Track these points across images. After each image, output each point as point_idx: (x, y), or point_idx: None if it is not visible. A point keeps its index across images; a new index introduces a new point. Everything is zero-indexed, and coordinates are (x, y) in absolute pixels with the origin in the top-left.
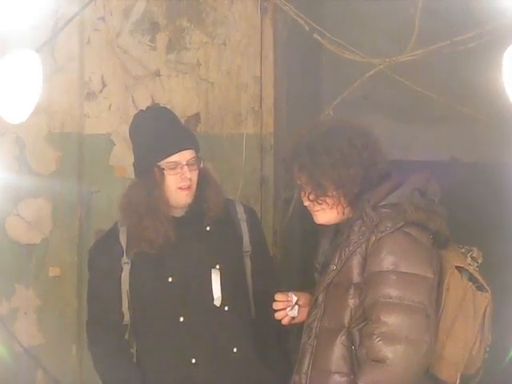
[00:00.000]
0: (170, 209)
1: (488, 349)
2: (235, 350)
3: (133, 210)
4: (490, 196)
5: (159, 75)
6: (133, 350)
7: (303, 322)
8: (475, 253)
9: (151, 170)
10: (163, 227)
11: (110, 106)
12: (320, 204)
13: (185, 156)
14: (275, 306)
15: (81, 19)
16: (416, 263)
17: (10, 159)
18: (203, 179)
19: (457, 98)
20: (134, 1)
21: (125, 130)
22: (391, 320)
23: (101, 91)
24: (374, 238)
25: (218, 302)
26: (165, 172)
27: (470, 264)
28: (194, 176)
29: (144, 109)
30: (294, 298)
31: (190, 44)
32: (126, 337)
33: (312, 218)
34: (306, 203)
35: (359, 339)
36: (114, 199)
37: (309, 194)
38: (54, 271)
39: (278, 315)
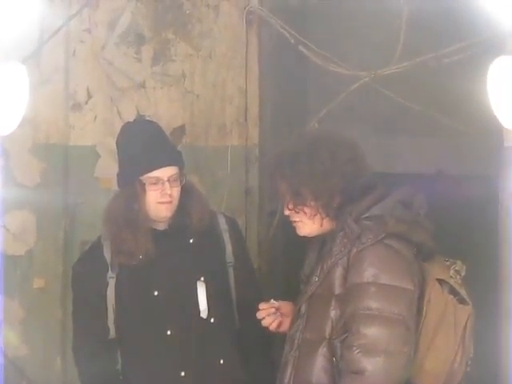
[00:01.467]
0: (152, 222)
1: (470, 362)
2: (222, 361)
3: (113, 222)
4: (475, 209)
5: (144, 87)
6: (118, 366)
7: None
8: (458, 266)
9: (133, 183)
10: (143, 240)
11: (96, 117)
12: (298, 213)
13: (166, 172)
14: (259, 315)
15: (66, 31)
16: (396, 275)
17: None
18: (187, 193)
19: (442, 110)
20: (119, 13)
21: (110, 141)
22: (370, 332)
23: (86, 103)
24: (355, 250)
25: (204, 314)
26: (146, 187)
27: (451, 277)
28: (175, 192)
29: (131, 120)
30: (276, 303)
31: (175, 56)
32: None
33: (296, 230)
34: (286, 212)
35: (340, 351)
36: (99, 211)
37: (288, 203)
38: (38, 283)
39: (264, 322)
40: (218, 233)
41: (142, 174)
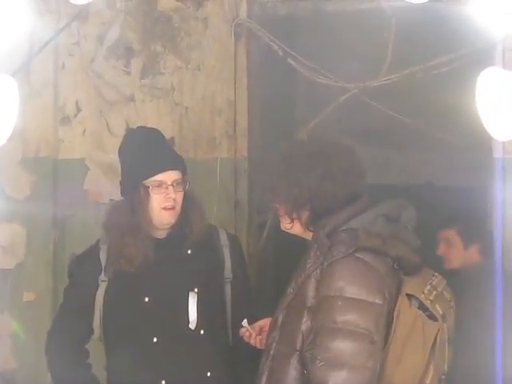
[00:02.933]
0: (153, 229)
1: (444, 377)
2: (209, 374)
3: (115, 228)
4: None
5: (134, 100)
6: (89, 361)
7: None
8: (435, 281)
9: (136, 189)
10: (144, 246)
11: (85, 130)
12: (286, 215)
13: (170, 176)
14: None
15: (55, 44)
16: (364, 289)
17: None
18: (187, 202)
19: (431, 122)
20: (108, 26)
21: (99, 154)
22: (334, 345)
23: (75, 116)
24: (326, 263)
25: (193, 325)
26: (150, 191)
27: (423, 292)
28: (179, 197)
29: (134, 128)
30: (247, 327)
31: (164, 69)
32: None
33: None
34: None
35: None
36: (89, 223)
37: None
38: (28, 296)
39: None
40: (219, 248)
41: (146, 178)
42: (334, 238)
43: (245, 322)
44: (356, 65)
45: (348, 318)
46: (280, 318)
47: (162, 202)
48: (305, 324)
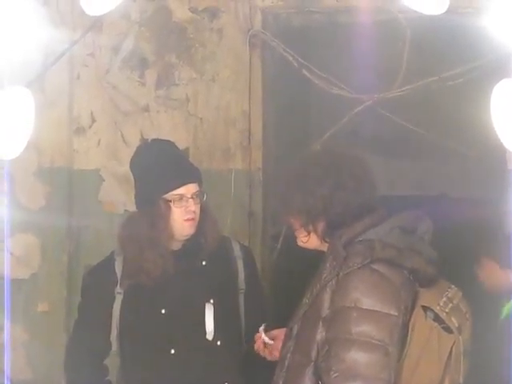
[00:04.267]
0: (170, 241)
1: None
2: None
3: (134, 242)
4: (478, 232)
5: (148, 111)
6: (108, 378)
7: None
8: (451, 293)
9: (156, 202)
10: (162, 260)
11: (99, 141)
12: (300, 226)
13: (190, 189)
14: (256, 349)
15: (70, 55)
16: (379, 300)
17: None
18: (203, 213)
19: (445, 133)
20: (123, 37)
21: (114, 165)
22: (349, 356)
23: (90, 127)
24: (341, 274)
25: (210, 336)
26: (171, 204)
27: (439, 304)
28: (198, 209)
29: (147, 141)
30: (263, 337)
31: (178, 80)
32: (107, 363)
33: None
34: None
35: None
36: (103, 234)
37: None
38: (42, 306)
39: (262, 354)
40: (232, 259)
41: (167, 192)
42: (350, 249)
43: (261, 329)
44: (370, 76)
45: (363, 329)
46: (295, 329)
47: (184, 214)
48: (319, 334)
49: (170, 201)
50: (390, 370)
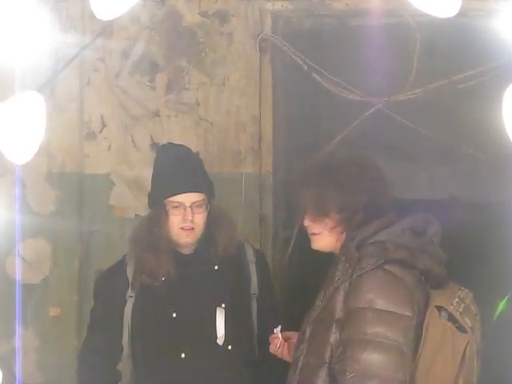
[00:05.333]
0: (178, 245)
1: None
2: None
3: (136, 243)
4: (489, 235)
5: (158, 115)
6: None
7: None
8: (463, 294)
9: (157, 206)
10: (165, 262)
11: (110, 145)
12: (318, 225)
13: (190, 198)
14: (271, 350)
15: (81, 60)
16: (393, 301)
17: (10, 199)
18: (215, 221)
19: (456, 136)
20: (133, 41)
21: (124, 169)
22: (364, 357)
23: (100, 131)
24: (355, 275)
25: (220, 340)
26: (168, 210)
27: (452, 304)
28: (199, 219)
29: (165, 144)
30: (279, 335)
31: (189, 84)
32: (120, 367)
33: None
34: (306, 223)
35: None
36: (114, 239)
37: (310, 213)
38: (53, 311)
39: (277, 353)
40: (245, 263)
41: (165, 198)
42: (363, 250)
43: (277, 330)
44: (381, 79)
45: (377, 329)
46: (308, 331)
47: (180, 222)
48: (333, 336)
49: (168, 207)
50: (406, 369)
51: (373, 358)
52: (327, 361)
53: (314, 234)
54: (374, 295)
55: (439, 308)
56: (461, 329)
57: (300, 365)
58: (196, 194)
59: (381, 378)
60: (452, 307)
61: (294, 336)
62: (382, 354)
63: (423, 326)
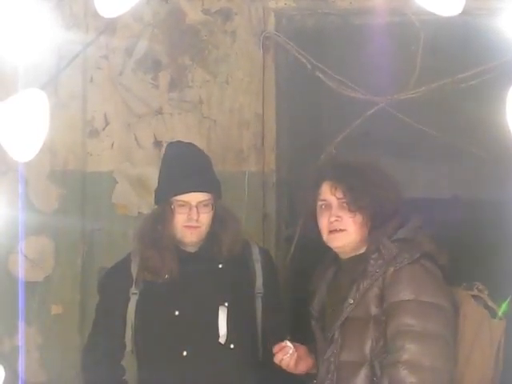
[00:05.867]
0: (182, 243)
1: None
2: None
3: (141, 240)
4: (492, 234)
5: (162, 113)
6: (125, 377)
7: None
8: (480, 286)
9: (163, 203)
10: (168, 259)
11: (113, 143)
12: (344, 221)
13: (196, 197)
14: (276, 359)
15: (84, 58)
16: (434, 293)
17: (13, 197)
18: (221, 220)
19: (459, 135)
20: (136, 39)
21: (127, 167)
22: (415, 348)
23: (103, 129)
24: (391, 270)
25: (223, 339)
26: (174, 208)
27: (483, 293)
28: (205, 218)
29: (175, 141)
30: (290, 345)
31: (192, 82)
32: (124, 364)
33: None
34: (332, 219)
35: (380, 370)
36: (117, 237)
37: (340, 208)
38: (56, 309)
39: (282, 363)
40: (250, 262)
41: (172, 196)
42: (396, 245)
43: (286, 341)
44: (384, 78)
45: (424, 321)
46: (337, 333)
47: (185, 221)
48: (372, 333)
49: (174, 205)
50: (452, 361)
51: (424, 349)
52: (368, 358)
53: (340, 230)
54: (416, 288)
55: (475, 297)
56: (495, 316)
57: (333, 366)
58: (202, 193)
59: (434, 369)
60: (484, 295)
61: (299, 349)
62: (432, 345)
63: (460, 316)
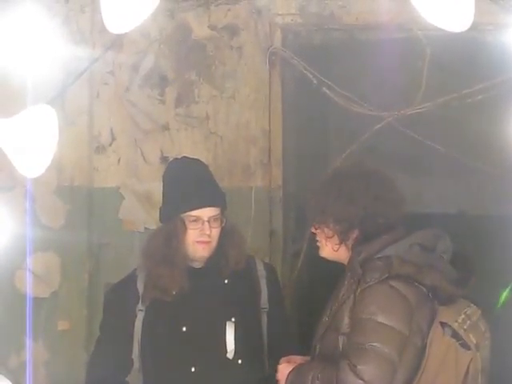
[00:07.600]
0: (189, 259)
1: None
2: None
3: (150, 257)
4: (499, 249)
5: (168, 129)
6: None
7: None
8: (470, 311)
9: (173, 220)
10: (179, 277)
11: (119, 159)
12: (320, 233)
13: (207, 213)
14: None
15: (90, 73)
16: (393, 316)
17: (20, 213)
18: (227, 235)
19: (465, 151)
20: (142, 55)
21: (134, 183)
22: (359, 367)
23: (110, 145)
24: (359, 289)
25: (231, 354)
26: (186, 224)
27: (457, 321)
28: (215, 233)
29: (179, 157)
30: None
31: (198, 97)
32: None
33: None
34: (313, 230)
35: None
36: (124, 252)
37: (314, 221)
38: (63, 325)
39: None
40: (255, 277)
41: (183, 212)
42: (368, 265)
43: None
44: (390, 93)
45: (375, 341)
46: (318, 347)
47: (197, 236)
48: (341, 347)
49: (186, 221)
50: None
51: (366, 368)
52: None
53: (317, 241)
54: (376, 308)
55: (443, 324)
56: (464, 346)
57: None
58: (214, 208)
59: None
60: (457, 324)
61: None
62: (377, 365)
63: (427, 342)
